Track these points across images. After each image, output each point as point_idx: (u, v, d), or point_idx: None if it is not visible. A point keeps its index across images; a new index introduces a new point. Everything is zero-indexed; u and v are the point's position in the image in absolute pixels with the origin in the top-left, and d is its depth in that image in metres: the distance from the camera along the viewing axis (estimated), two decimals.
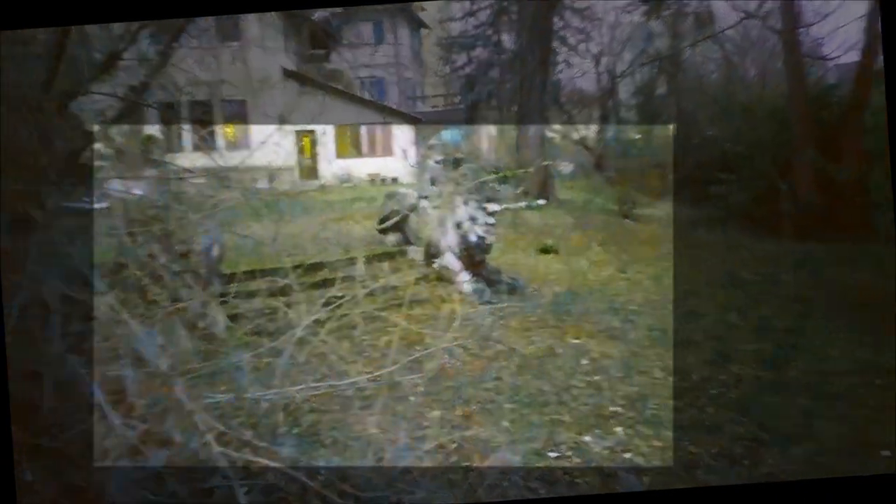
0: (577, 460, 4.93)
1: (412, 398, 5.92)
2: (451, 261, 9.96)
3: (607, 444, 5.19)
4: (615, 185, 24.00)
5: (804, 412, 5.67)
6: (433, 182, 10.81)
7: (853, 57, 16.76)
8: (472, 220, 10.12)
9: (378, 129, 20.43)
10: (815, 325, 8.14)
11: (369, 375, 5.00)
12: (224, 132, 16.78)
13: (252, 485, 3.30)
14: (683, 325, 8.37)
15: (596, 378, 6.63)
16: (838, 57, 18.70)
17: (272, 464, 3.22)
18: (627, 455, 5.02)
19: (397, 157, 18.88)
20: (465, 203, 10.21)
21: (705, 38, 19.61)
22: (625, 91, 32.08)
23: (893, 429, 4.58)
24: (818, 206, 15.52)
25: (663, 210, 20.42)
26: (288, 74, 16.78)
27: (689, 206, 21.15)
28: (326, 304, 4.21)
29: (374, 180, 19.87)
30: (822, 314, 8.54)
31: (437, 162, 10.99)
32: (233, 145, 16.55)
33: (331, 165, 18.15)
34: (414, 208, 10.44)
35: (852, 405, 5.80)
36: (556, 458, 4.97)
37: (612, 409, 5.89)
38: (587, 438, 5.31)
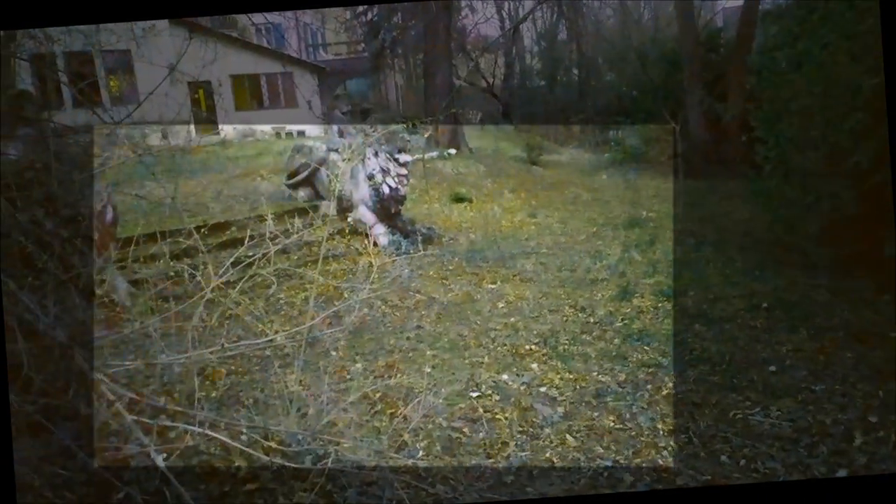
0: (497, 398, 5.14)
1: (333, 353, 5.91)
2: (365, 213, 9.84)
3: (524, 381, 5.44)
4: (522, 132, 24.40)
5: (698, 336, 6.16)
6: (341, 134, 10.52)
7: (738, 1, 17.61)
8: (384, 171, 10.00)
9: (279, 80, 19.49)
10: (705, 257, 8.77)
11: (287, 333, 4.94)
12: (107, 85, 15.45)
13: (171, 450, 3.22)
14: (589, 265, 8.79)
15: (512, 320, 6.88)
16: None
17: (190, 427, 3.14)
18: (542, 388, 5.29)
19: (302, 108, 18.14)
20: (376, 154, 10.05)
21: None
22: (528, 38, 32.31)
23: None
24: (707, 143, 16.53)
25: (568, 155, 21.06)
26: (174, 21, 15.56)
27: (591, 151, 21.94)
28: (236, 263, 4.06)
29: (280, 133, 19.09)
30: (711, 246, 9.20)
31: (343, 113, 10.68)
32: (118, 99, 15.32)
33: (228, 117, 17.17)
34: (323, 161, 10.16)
35: (739, 327, 6.36)
36: (478, 397, 5.16)
37: (527, 347, 6.15)
38: (505, 377, 5.53)
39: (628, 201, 13.16)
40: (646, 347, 6.00)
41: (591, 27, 29.12)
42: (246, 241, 4.20)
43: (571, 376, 5.49)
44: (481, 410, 4.93)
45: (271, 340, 4.41)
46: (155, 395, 3.46)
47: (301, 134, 18.68)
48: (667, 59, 20.36)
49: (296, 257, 7.88)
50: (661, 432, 4.51)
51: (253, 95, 19.89)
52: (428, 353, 6.11)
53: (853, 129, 7.02)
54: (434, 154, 16.09)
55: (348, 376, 5.63)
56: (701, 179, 14.35)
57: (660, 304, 7.11)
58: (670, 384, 5.25)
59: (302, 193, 10.45)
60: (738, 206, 11.60)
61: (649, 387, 5.23)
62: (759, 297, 7.07)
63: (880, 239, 6.93)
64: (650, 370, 5.53)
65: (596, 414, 4.82)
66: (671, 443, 4.36)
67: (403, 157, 10.57)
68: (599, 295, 7.55)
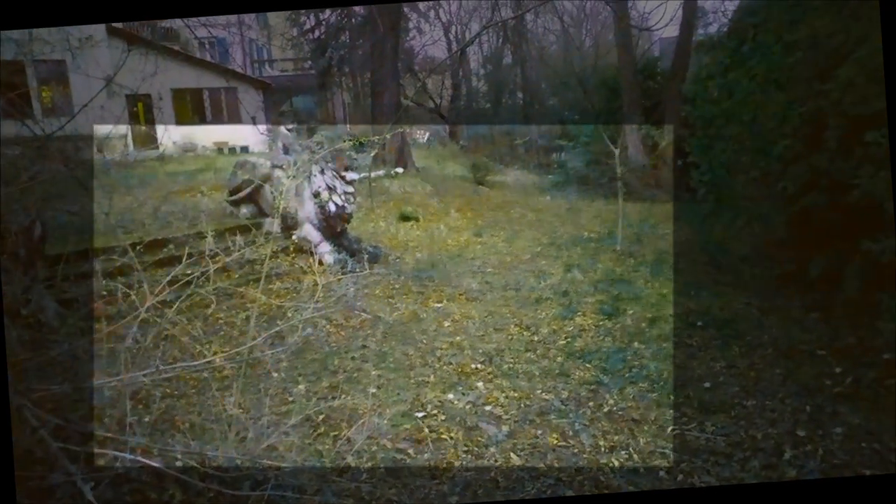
0: (442, 418, 5.12)
1: (275, 374, 5.77)
2: (310, 231, 9.72)
3: (469, 400, 5.44)
4: (469, 152, 24.73)
5: (637, 355, 6.33)
6: (287, 150, 10.39)
7: (673, 31, 18.52)
8: (331, 189, 9.91)
9: (223, 94, 19.14)
10: (644, 277, 9.04)
11: (226, 354, 4.80)
12: (39, 96, 14.82)
13: (100, 478, 3.05)
14: (534, 284, 8.93)
15: (458, 339, 6.89)
16: (661, 29, 20.61)
17: (121, 454, 2.99)
18: (488, 407, 5.30)
19: (246, 123, 17.85)
20: (322, 172, 9.96)
21: (543, 3, 20.62)
22: (474, 61, 32.95)
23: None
24: (645, 167, 17.20)
25: (513, 176, 21.45)
26: (113, 32, 15.08)
27: (534, 172, 22.44)
28: (173, 282, 3.93)
29: (222, 149, 18.69)
30: (649, 266, 9.50)
31: (289, 129, 10.55)
32: (51, 111, 14.70)
33: (167, 132, 16.71)
34: (267, 178, 9.98)
35: (676, 345, 6.57)
36: (423, 417, 5.13)
37: (473, 366, 6.17)
38: (451, 396, 5.53)
39: (570, 222, 13.49)
40: (587, 365, 6.12)
41: (534, 52, 29.95)
42: (184, 259, 4.08)
43: (516, 394, 5.53)
44: (426, 431, 4.90)
45: (209, 362, 4.27)
46: (83, 421, 3.28)
47: (244, 150, 18.36)
48: (607, 85, 21.17)
49: (237, 276, 7.68)
50: (603, 449, 4.59)
51: (195, 110, 19.47)
52: (373, 373, 6.05)
53: (780, 156, 7.44)
54: (381, 173, 16.10)
55: (290, 398, 5.50)
56: (639, 202, 14.87)
57: (601, 323, 7.28)
58: (611, 401, 5.36)
59: (244, 210, 10.23)
60: (675, 228, 12.04)
61: (591, 404, 5.33)
62: (695, 315, 7.32)
63: (807, 260, 7.34)
64: (592, 387, 5.64)
65: (539, 432, 4.87)
66: (612, 459, 4.44)
67: (350, 175, 10.52)
68: (543, 313, 7.67)
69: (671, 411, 5.13)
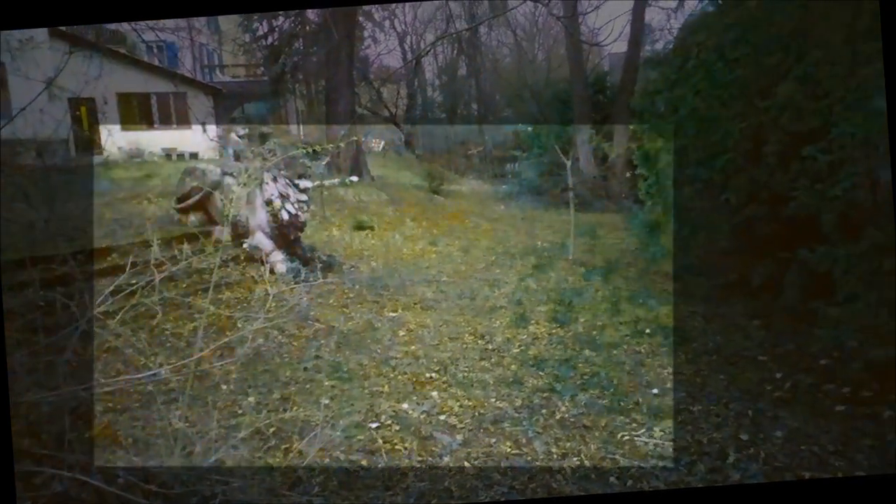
0: (397, 428, 5.09)
1: (224, 386, 5.63)
2: (261, 240, 9.53)
3: (424, 409, 5.43)
4: (424, 162, 24.79)
5: (588, 362, 6.44)
6: (237, 157, 10.19)
7: (622, 47, 19.08)
8: (284, 197, 9.76)
9: (171, 99, 18.63)
10: (595, 285, 9.23)
11: (172, 366, 4.65)
12: None
13: (36, 498, 2.90)
14: (488, 293, 8.99)
15: (412, 348, 6.87)
16: (611, 45, 21.23)
17: (59, 472, 2.86)
18: (442, 417, 5.30)
19: (196, 130, 17.40)
20: (275, 180, 9.81)
21: (495, 16, 20.96)
22: (430, 71, 33.15)
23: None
24: (595, 179, 17.62)
25: (468, 186, 21.60)
26: (55, 33, 14.51)
27: (489, 182, 22.67)
28: (116, 292, 3.80)
29: (170, 155, 18.18)
30: (600, 275, 9.71)
31: (240, 136, 10.35)
32: None
33: (112, 137, 16.14)
34: (217, 185, 9.76)
35: (626, 352, 6.72)
36: (377, 428, 5.08)
37: (427, 375, 6.16)
38: (405, 406, 5.50)
39: (524, 231, 13.66)
40: (541, 373, 6.19)
41: (489, 64, 30.32)
42: (128, 269, 3.95)
43: (470, 403, 5.55)
44: (380, 441, 4.86)
45: (154, 374, 4.13)
46: (19, 438, 3.12)
47: (194, 156, 17.90)
48: (559, 98, 21.62)
49: (184, 285, 7.48)
50: (555, 456, 4.64)
51: (142, 115, 18.87)
52: (326, 383, 5.96)
53: (723, 168, 7.74)
54: (335, 181, 15.96)
55: (240, 411, 5.37)
56: (590, 212, 15.20)
57: (553, 331, 7.38)
58: (563, 408, 5.43)
59: (193, 218, 9.96)
60: (624, 238, 12.34)
61: (544, 411, 5.38)
62: (643, 323, 7.51)
63: (749, 269, 7.64)
64: (545, 395, 5.70)
65: (493, 440, 4.89)
66: (564, 465, 4.49)
67: (304, 183, 10.40)
68: (497, 322, 7.72)
69: (621, 417, 5.23)
